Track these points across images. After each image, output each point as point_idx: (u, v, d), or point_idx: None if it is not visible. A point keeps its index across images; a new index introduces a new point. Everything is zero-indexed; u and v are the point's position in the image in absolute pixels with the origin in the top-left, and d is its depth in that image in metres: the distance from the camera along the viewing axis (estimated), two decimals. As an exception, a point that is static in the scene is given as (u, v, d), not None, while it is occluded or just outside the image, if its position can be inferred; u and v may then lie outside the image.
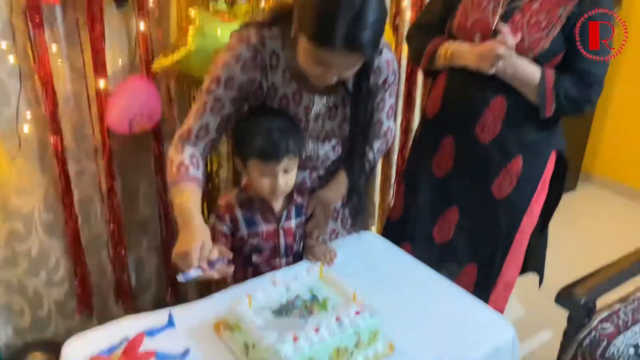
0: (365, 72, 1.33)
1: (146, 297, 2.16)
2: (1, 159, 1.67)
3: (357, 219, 1.57)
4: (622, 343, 1.64)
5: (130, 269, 2.06)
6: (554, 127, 1.67)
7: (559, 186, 1.80)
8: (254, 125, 1.36)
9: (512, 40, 1.47)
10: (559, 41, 1.52)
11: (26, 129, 1.68)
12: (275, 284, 1.27)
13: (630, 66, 3.23)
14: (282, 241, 1.47)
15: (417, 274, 1.47)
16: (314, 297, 1.25)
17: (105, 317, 2.03)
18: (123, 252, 1.97)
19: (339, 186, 1.57)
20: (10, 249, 1.79)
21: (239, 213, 1.44)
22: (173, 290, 2.19)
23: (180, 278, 1.21)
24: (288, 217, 1.47)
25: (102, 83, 1.73)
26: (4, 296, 1.84)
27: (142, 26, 1.73)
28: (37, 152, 1.73)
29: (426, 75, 1.86)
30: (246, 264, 1.47)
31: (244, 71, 1.34)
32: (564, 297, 1.69)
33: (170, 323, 1.19)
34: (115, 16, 1.72)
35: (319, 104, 1.43)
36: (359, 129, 1.43)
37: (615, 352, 1.63)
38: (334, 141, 1.52)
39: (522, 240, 1.79)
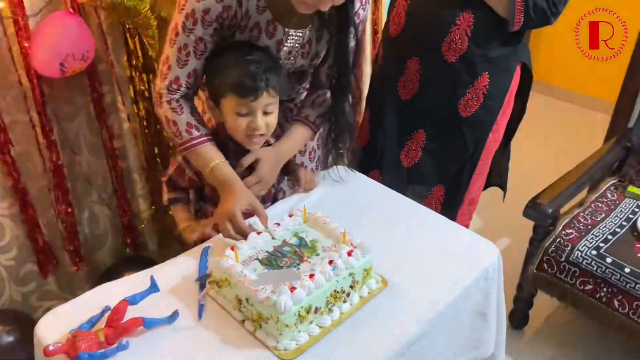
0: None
1: (104, 252, 2.04)
2: None
3: (342, 155, 1.49)
4: (585, 247, 1.73)
5: (82, 224, 1.92)
6: (519, 40, 1.63)
7: (523, 99, 1.79)
8: (229, 57, 1.22)
9: None
10: None
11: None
12: (259, 232, 1.20)
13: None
14: None
15: (397, 206, 1.44)
16: (301, 241, 1.20)
17: (62, 278, 1.92)
18: (70, 208, 1.82)
19: (293, 142, 1.42)
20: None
21: None
22: (131, 241, 2.07)
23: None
24: None
25: (21, 21, 1.49)
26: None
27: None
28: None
29: None
30: None
31: None
32: (532, 208, 1.74)
33: (154, 287, 1.10)
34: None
35: (294, 38, 1.30)
36: (346, 61, 1.32)
37: (580, 255, 1.71)
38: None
39: (488, 156, 1.80)
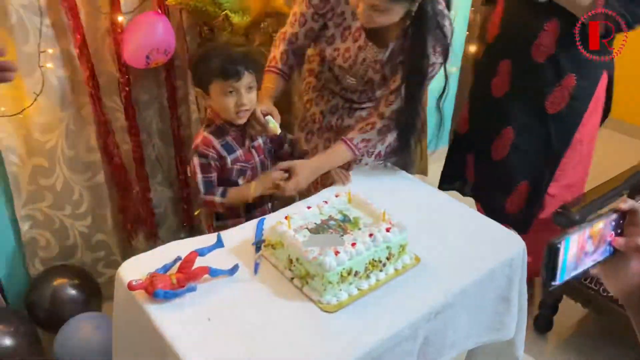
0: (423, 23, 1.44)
1: (163, 231, 2.25)
2: (23, 96, 1.70)
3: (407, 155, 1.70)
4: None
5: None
6: (605, 49, 1.72)
7: (606, 106, 1.92)
8: (212, 49, 1.50)
9: None
10: None
11: (48, 65, 1.69)
12: (308, 208, 1.38)
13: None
14: (256, 159, 1.58)
15: (436, 200, 1.60)
16: (345, 217, 1.37)
17: (127, 252, 2.13)
18: (148, 192, 2.06)
19: (330, 159, 1.61)
20: (35, 184, 1.84)
21: (217, 143, 1.50)
22: (188, 223, 2.29)
23: None
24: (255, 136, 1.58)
25: (118, 18, 1.74)
26: (30, 231, 1.90)
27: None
28: (58, 89, 1.75)
29: (485, 2, 1.94)
30: None
31: None
32: (560, 215, 1.85)
33: (219, 242, 1.29)
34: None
35: (370, 51, 1.57)
36: (418, 82, 1.54)
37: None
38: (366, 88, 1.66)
39: (572, 156, 1.90)
